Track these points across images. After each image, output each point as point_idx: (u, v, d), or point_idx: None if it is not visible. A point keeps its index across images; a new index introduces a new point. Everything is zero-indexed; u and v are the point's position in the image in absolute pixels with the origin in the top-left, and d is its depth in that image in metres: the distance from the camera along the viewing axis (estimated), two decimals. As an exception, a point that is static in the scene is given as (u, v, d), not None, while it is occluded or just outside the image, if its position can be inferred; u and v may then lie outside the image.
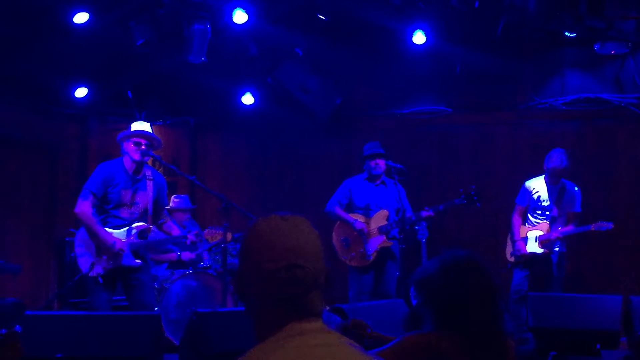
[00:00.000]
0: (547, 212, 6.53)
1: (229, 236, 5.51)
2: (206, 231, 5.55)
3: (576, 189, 6.56)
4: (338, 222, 6.62)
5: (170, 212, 6.80)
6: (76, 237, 5.30)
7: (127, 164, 5.29)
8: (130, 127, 5.37)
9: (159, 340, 4.39)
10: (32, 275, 7.60)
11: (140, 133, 5.29)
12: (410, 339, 2.37)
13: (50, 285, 7.71)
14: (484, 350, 2.34)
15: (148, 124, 5.49)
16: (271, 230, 1.57)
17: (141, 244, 5.28)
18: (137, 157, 5.23)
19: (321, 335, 1.53)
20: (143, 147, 5.24)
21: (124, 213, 5.24)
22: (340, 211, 6.60)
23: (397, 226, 6.36)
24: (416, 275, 2.50)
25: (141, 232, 5.27)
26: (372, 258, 6.43)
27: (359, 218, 6.53)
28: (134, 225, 5.26)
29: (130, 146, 5.25)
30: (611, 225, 6.26)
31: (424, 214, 6.23)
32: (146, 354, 4.17)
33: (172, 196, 7.30)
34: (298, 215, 1.63)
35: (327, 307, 3.93)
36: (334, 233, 6.61)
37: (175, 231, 5.54)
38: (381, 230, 6.44)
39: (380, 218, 6.51)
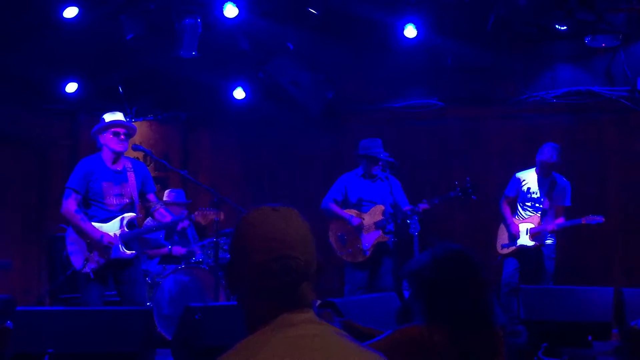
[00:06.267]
0: (537, 205, 6.54)
1: (222, 215, 5.49)
2: (197, 213, 5.53)
3: (567, 182, 6.57)
4: (334, 219, 6.60)
5: (166, 205, 6.77)
6: (67, 234, 5.27)
7: (106, 156, 5.26)
8: (104, 119, 5.33)
9: (151, 335, 4.38)
10: (23, 271, 7.57)
11: (118, 123, 5.26)
12: (402, 332, 2.38)
13: (41, 281, 7.68)
14: (473, 341, 2.36)
15: (121, 113, 5.48)
16: (262, 221, 1.56)
17: (132, 234, 5.25)
18: (118, 147, 5.21)
19: (312, 326, 1.53)
20: (122, 136, 5.22)
21: (111, 206, 5.21)
22: (336, 208, 6.57)
23: (392, 220, 6.33)
24: (408, 268, 2.52)
25: (130, 223, 5.25)
26: (369, 253, 6.40)
27: (354, 214, 6.51)
28: (123, 216, 5.24)
29: (108, 137, 5.22)
30: (602, 219, 6.26)
31: (422, 206, 6.18)
32: (138, 349, 4.17)
33: (168, 190, 7.28)
34: (288, 206, 1.62)
35: (319, 301, 3.92)
36: (330, 229, 6.56)
37: (168, 219, 5.54)
38: (378, 225, 6.42)
39: (376, 213, 6.48)
